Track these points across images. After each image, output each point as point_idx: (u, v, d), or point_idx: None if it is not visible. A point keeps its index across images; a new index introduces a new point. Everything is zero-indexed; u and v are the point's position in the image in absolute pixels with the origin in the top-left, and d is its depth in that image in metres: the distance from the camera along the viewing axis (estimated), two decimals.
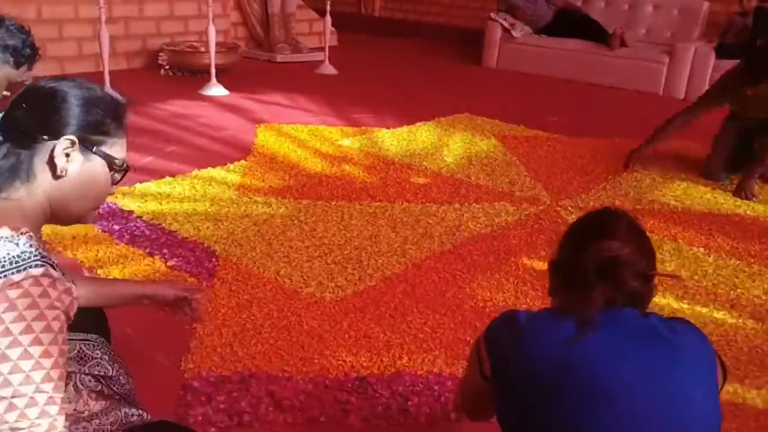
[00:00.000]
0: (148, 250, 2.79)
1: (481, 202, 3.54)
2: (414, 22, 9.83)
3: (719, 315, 2.55)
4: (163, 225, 3.03)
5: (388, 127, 4.85)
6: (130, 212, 3.14)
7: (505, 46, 7.58)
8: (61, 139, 1.17)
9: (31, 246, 1.07)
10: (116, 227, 2.98)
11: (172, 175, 3.65)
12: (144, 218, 3.09)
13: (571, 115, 5.56)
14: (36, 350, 1.01)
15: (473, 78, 7.14)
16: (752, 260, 3.03)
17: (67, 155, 1.18)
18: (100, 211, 3.13)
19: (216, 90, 5.68)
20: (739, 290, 2.75)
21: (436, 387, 2.03)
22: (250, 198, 3.39)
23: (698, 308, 2.58)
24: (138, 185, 3.47)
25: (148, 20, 6.59)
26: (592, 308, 1.21)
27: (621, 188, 3.86)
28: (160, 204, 3.25)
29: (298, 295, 2.52)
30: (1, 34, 2.30)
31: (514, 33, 7.47)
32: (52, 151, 1.17)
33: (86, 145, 1.20)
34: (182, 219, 3.09)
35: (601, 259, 1.23)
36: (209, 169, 3.75)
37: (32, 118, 1.18)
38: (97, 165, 1.22)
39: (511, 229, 3.23)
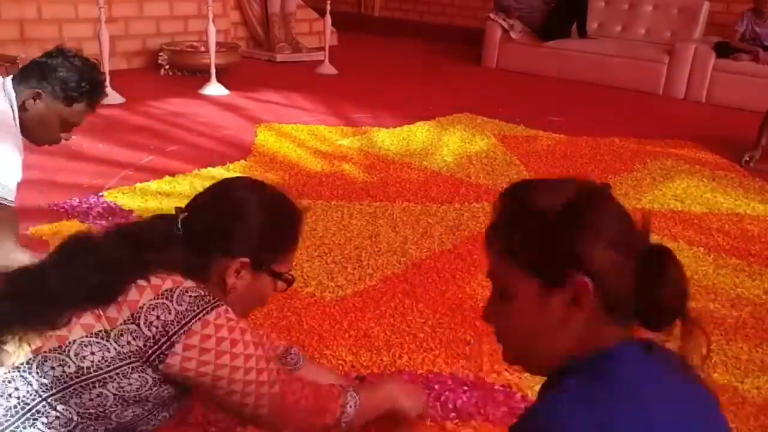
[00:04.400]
0: None
1: (481, 202, 3.54)
2: (414, 22, 9.83)
3: (719, 315, 2.55)
4: None
5: (387, 127, 4.84)
6: (131, 211, 3.14)
7: (505, 46, 7.57)
8: (236, 260, 1.20)
9: (209, 294, 1.17)
10: None
11: (173, 174, 3.65)
12: (144, 217, 3.08)
13: (571, 115, 5.56)
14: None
15: (473, 78, 7.14)
16: (752, 259, 3.03)
17: (238, 272, 1.21)
18: (100, 209, 3.13)
19: (216, 90, 5.68)
20: (739, 290, 2.74)
21: (436, 386, 2.02)
22: None
23: (698, 308, 2.58)
24: (138, 184, 3.47)
25: (148, 20, 6.59)
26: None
27: (621, 188, 3.86)
28: (161, 203, 3.24)
29: (297, 295, 2.52)
30: (56, 64, 2.10)
31: (512, 34, 7.46)
32: (226, 269, 1.20)
33: (258, 266, 1.23)
34: None
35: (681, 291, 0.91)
36: (209, 168, 3.75)
37: (213, 229, 1.22)
38: (265, 281, 1.26)
39: None
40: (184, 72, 6.28)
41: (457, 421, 1.90)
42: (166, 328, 1.09)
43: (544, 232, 0.90)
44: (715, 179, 4.08)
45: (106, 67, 5.17)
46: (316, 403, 1.26)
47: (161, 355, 1.10)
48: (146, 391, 1.13)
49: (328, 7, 6.92)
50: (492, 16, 7.64)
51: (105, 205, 3.19)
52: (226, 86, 5.75)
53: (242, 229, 1.21)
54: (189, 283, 1.15)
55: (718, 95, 6.30)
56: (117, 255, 1.17)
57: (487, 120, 5.18)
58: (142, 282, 1.13)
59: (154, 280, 1.13)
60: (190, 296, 1.12)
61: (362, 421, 1.39)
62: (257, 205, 1.24)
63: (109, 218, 3.06)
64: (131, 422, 1.17)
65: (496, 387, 2.05)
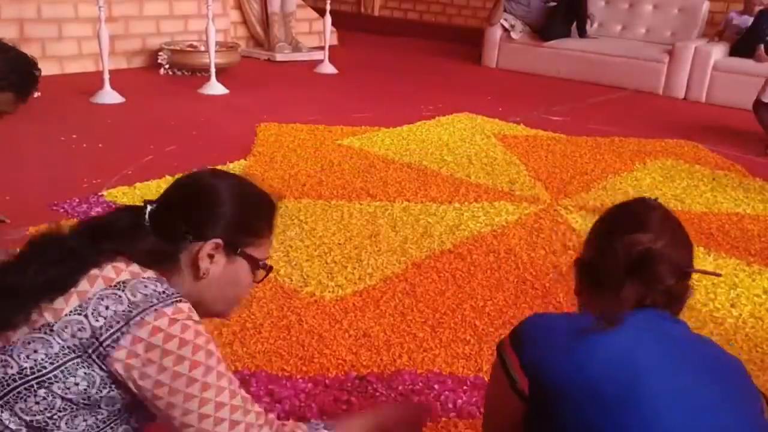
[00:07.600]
0: None
1: (481, 201, 3.53)
2: (414, 22, 9.83)
3: (719, 315, 2.55)
4: None
5: (387, 126, 4.84)
6: None
7: (505, 46, 7.57)
8: (208, 242, 1.15)
9: (171, 287, 1.10)
10: None
11: (172, 174, 3.64)
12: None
13: (571, 115, 5.56)
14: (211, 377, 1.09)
15: (473, 78, 7.14)
16: (752, 259, 3.03)
17: (211, 256, 1.17)
18: (99, 209, 3.13)
19: (216, 89, 5.68)
20: (739, 290, 2.74)
21: (436, 386, 2.02)
22: None
23: (698, 308, 2.58)
24: (138, 184, 3.47)
25: (147, 19, 6.58)
26: (621, 309, 1.08)
27: (621, 188, 3.86)
28: None
29: (297, 295, 2.52)
30: None
31: (513, 35, 7.46)
32: (198, 252, 1.15)
33: (232, 247, 1.18)
34: None
35: (633, 253, 1.11)
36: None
37: (183, 215, 1.17)
38: (241, 267, 1.21)
39: (511, 228, 3.23)
40: (183, 71, 6.27)
41: (457, 421, 1.90)
42: (116, 318, 1.02)
43: None
44: (715, 179, 4.08)
45: (106, 67, 5.17)
46: None
47: (108, 348, 1.01)
48: (95, 392, 1.04)
49: (328, 7, 6.92)
50: None
51: (105, 204, 3.19)
52: (226, 86, 5.74)
53: (214, 212, 1.17)
54: (150, 274, 1.09)
55: (718, 95, 6.30)
56: (76, 246, 1.11)
57: (486, 119, 5.18)
58: (95, 271, 1.07)
59: (108, 271, 1.07)
60: (147, 287, 1.06)
61: None
62: (228, 189, 1.20)
63: None
64: None
65: None
